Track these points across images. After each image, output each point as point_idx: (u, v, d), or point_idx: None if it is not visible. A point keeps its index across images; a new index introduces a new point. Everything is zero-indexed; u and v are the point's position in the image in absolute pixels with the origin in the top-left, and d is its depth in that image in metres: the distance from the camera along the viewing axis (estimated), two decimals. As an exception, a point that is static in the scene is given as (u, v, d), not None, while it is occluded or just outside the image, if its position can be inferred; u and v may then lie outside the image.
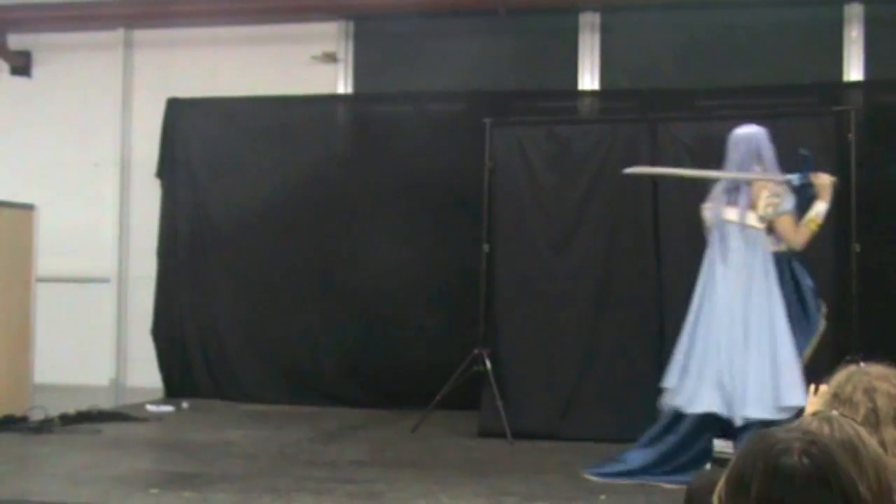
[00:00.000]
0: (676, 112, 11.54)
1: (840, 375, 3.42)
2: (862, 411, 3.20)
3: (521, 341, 10.91)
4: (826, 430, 2.35)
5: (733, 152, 8.70)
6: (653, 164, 10.58)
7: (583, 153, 11.06)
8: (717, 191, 8.82)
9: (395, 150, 12.53)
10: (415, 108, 12.90)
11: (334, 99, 13.34)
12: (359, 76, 13.38)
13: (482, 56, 12.56)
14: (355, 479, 8.43)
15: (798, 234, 8.46)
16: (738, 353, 8.39)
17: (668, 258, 10.64)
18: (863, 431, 2.39)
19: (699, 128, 10.93)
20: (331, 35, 13.31)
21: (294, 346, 12.66)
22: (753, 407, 8.15)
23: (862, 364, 3.64)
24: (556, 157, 11.10)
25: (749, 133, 8.74)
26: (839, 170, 10.23)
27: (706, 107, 11.93)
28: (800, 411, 5.01)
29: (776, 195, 8.48)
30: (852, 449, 2.30)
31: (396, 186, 12.44)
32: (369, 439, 10.60)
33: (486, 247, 10.94)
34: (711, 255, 8.80)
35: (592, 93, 12.75)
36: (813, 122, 10.64)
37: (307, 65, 13.13)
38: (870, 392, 3.25)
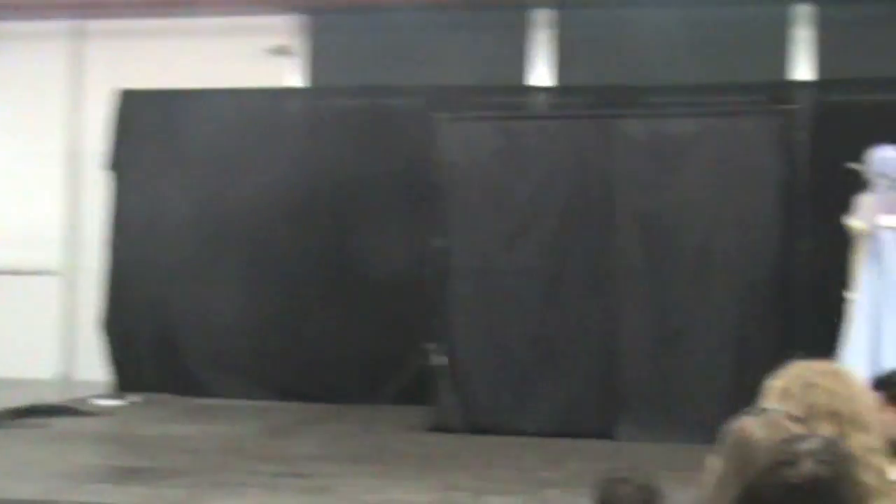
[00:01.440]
0: (628, 109, 11.58)
1: (784, 371, 3.46)
2: (800, 406, 3.26)
3: (473, 336, 10.92)
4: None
5: None
6: (604, 160, 10.66)
7: (535, 149, 11.08)
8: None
9: (348, 144, 12.50)
10: (368, 102, 12.88)
11: (287, 92, 13.29)
12: (312, 70, 13.34)
13: (436, 51, 12.56)
14: (306, 474, 8.40)
15: None
16: None
17: (619, 252, 10.69)
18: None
19: (651, 124, 10.99)
20: (285, 28, 13.26)
21: (245, 340, 12.59)
22: None
23: (804, 361, 3.71)
24: (508, 153, 11.11)
25: None
26: (788, 168, 10.33)
27: (658, 104, 11.98)
28: None
29: None
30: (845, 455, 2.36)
31: (348, 180, 12.41)
32: (320, 433, 10.57)
33: (437, 241, 10.94)
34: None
35: (545, 89, 12.79)
36: (763, 120, 10.73)
37: (261, 58, 13.07)
38: (809, 388, 3.30)
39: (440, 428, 10.50)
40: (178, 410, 11.79)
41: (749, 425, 3.09)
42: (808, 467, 2.26)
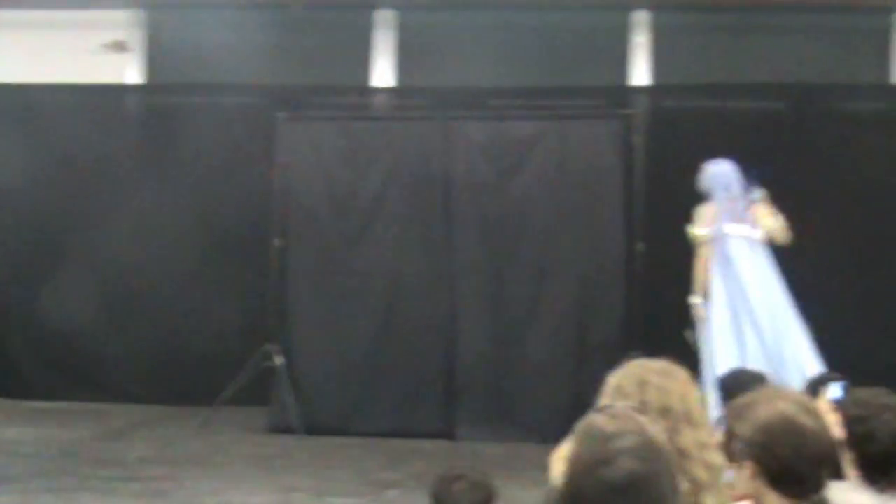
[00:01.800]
0: (469, 111, 11.67)
1: (620, 369, 3.54)
2: (634, 403, 3.33)
3: (312, 336, 10.90)
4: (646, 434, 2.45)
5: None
6: (445, 161, 10.74)
7: (376, 150, 11.11)
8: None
9: (187, 142, 12.34)
10: (207, 100, 12.73)
11: (124, 89, 13.04)
12: (150, 66, 13.12)
13: (276, 50, 12.47)
14: (142, 478, 8.29)
15: None
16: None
17: (460, 254, 10.77)
18: (659, 432, 2.49)
19: (491, 127, 11.11)
20: (122, 23, 13.01)
21: (78, 340, 12.29)
22: None
23: (641, 359, 3.81)
24: (349, 153, 11.12)
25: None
26: (627, 171, 10.54)
27: (498, 106, 12.11)
28: None
29: None
30: (661, 450, 2.41)
31: (187, 179, 12.24)
32: (157, 436, 10.41)
33: (277, 241, 10.88)
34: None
35: (386, 90, 12.81)
36: (601, 125, 10.94)
37: (97, 53, 12.81)
38: (642, 385, 3.38)
39: (279, 429, 10.44)
40: (8, 413, 11.46)
41: (599, 420, 3.14)
42: (624, 465, 2.31)
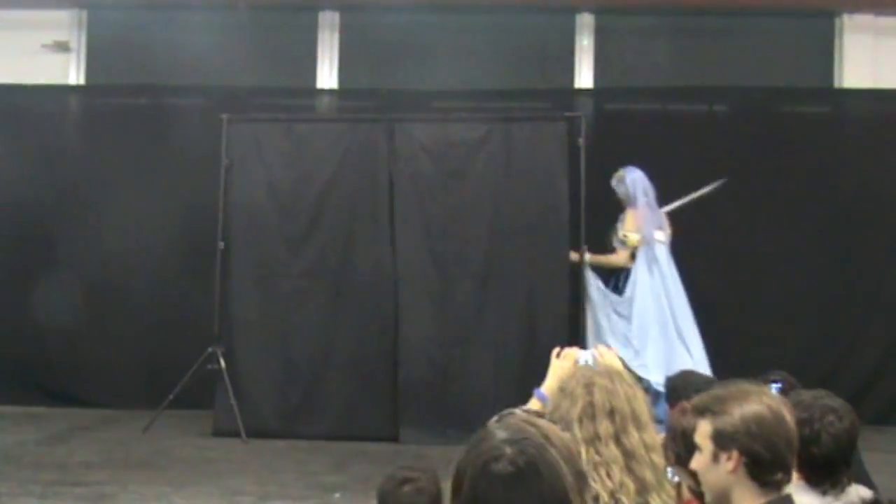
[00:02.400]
0: (414, 113, 11.67)
1: (568, 372, 3.57)
2: (580, 404, 3.37)
3: (256, 339, 10.85)
4: (531, 430, 2.48)
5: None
6: (389, 163, 10.74)
7: (321, 151, 11.07)
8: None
9: (129, 144, 12.24)
10: (150, 101, 12.65)
11: (65, 89, 12.92)
12: (91, 67, 13.01)
13: (220, 51, 12.40)
14: (85, 482, 8.21)
15: None
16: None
17: (404, 256, 10.76)
18: (553, 429, 2.52)
19: (436, 129, 11.11)
20: (63, 24, 12.89)
21: (17, 341, 12.15)
22: None
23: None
24: (293, 155, 11.07)
25: None
26: (571, 174, 10.58)
27: (443, 108, 12.12)
28: None
29: None
30: (557, 445, 2.45)
31: (129, 180, 12.12)
32: (99, 440, 10.31)
33: (221, 243, 10.82)
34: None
35: (331, 91, 12.78)
36: (546, 127, 10.96)
37: (38, 53, 12.68)
38: (589, 387, 3.42)
39: (222, 433, 10.38)
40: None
41: (492, 427, 3.25)
42: (511, 456, 2.36)
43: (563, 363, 4.14)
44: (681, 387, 5.33)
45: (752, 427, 3.16)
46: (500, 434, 2.47)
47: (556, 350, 4.25)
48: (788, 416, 3.22)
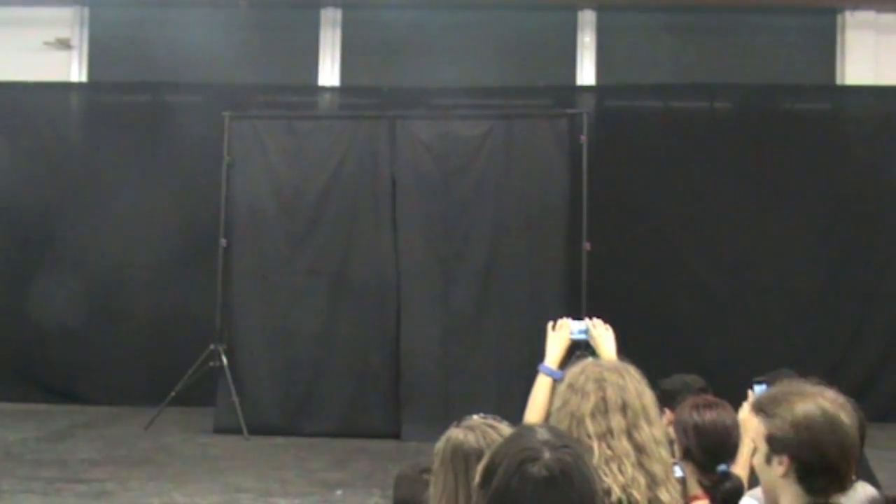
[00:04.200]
0: (415, 110, 11.66)
1: (575, 368, 3.56)
2: (593, 399, 3.36)
3: (257, 336, 10.84)
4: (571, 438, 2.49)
5: None
6: (390, 160, 10.73)
7: (322, 148, 11.06)
8: None
9: (131, 141, 12.24)
10: (152, 98, 12.64)
11: (67, 87, 12.92)
12: (93, 64, 13.00)
13: (222, 48, 12.38)
14: (86, 479, 8.20)
15: None
16: None
17: (405, 253, 10.75)
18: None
19: (437, 126, 11.09)
20: (65, 21, 12.89)
21: (18, 338, 12.15)
22: None
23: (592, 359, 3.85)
24: (295, 152, 11.06)
25: None
26: (572, 170, 10.58)
27: (444, 105, 12.11)
28: None
29: None
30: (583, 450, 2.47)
31: (131, 177, 12.12)
32: (101, 437, 10.31)
33: (223, 241, 10.81)
34: None
35: (332, 88, 12.78)
36: (547, 124, 10.95)
37: (40, 51, 12.67)
38: (600, 382, 3.41)
39: (224, 429, 10.38)
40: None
41: (457, 434, 3.26)
42: (549, 458, 2.35)
43: (559, 334, 4.43)
44: (670, 388, 5.33)
45: (802, 433, 3.11)
46: (542, 434, 2.46)
47: (550, 323, 4.49)
48: (847, 420, 3.14)
